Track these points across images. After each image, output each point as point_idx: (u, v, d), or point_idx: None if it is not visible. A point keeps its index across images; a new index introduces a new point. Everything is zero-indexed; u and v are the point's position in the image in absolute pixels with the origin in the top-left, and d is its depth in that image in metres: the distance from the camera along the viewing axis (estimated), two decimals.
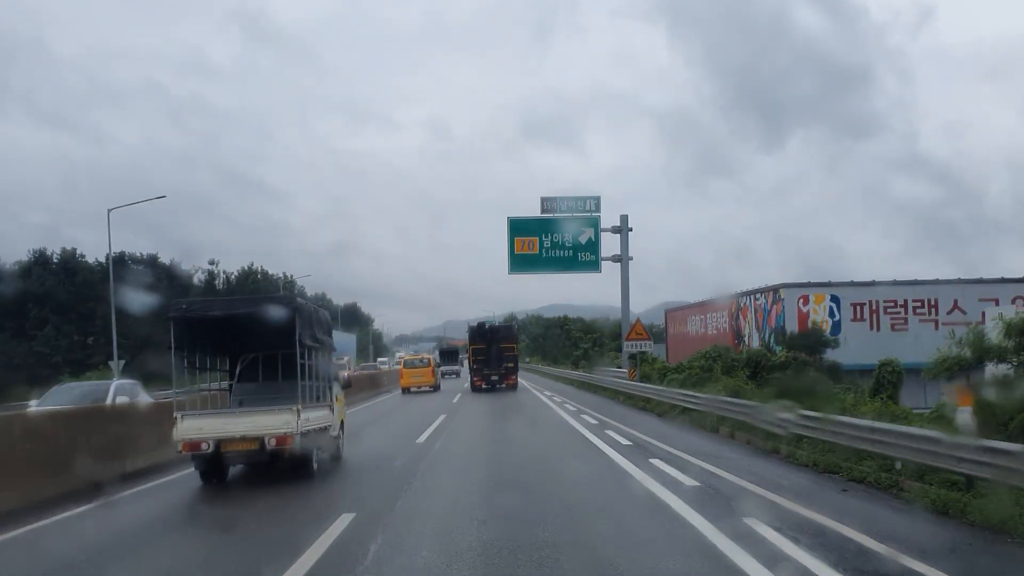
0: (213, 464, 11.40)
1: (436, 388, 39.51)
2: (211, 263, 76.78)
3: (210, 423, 10.99)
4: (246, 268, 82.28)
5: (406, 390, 38.50)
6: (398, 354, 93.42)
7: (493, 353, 37.28)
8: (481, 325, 41.43)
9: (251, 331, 12.19)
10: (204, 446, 10.78)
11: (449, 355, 60.45)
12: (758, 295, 45.16)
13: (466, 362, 46.91)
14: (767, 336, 42.75)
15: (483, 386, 36.67)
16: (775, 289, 43.22)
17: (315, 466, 11.99)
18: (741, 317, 48.01)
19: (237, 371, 13.02)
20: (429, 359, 42.20)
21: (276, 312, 11.47)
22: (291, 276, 79.98)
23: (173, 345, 11.43)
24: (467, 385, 39.67)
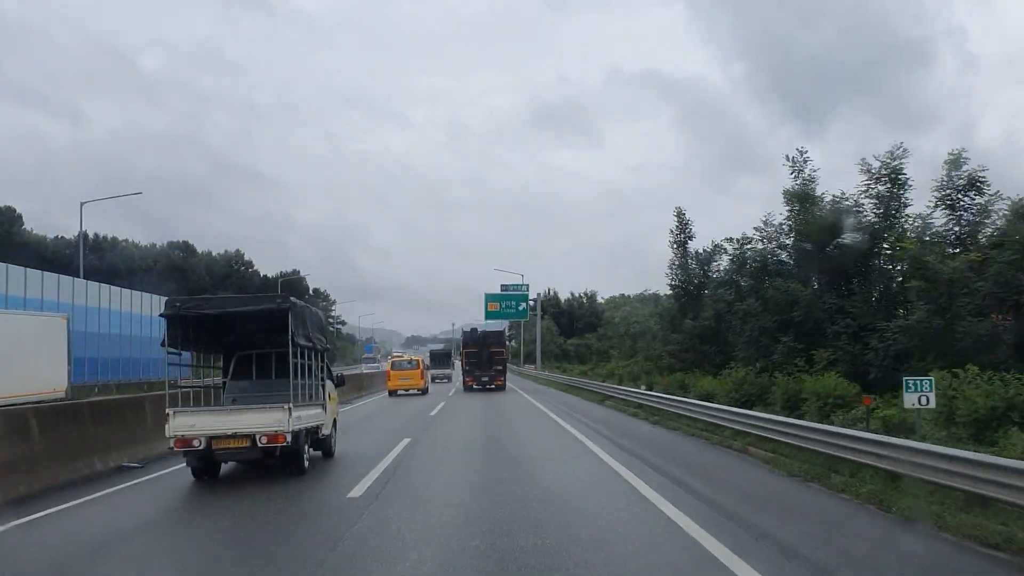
0: (205, 461, 11.47)
1: (424, 391, 39.14)
2: None
3: (202, 420, 11.05)
4: None
5: (393, 392, 38.10)
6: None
7: (484, 356, 40.41)
8: (474, 331, 44.62)
9: (245, 329, 12.31)
10: (196, 443, 10.84)
11: (441, 358, 57.75)
12: None
13: (458, 364, 48.09)
14: None
15: (474, 386, 40.17)
16: None
17: (306, 464, 12.08)
18: None
19: (231, 369, 13.09)
20: (418, 361, 41.52)
21: (269, 311, 11.56)
22: None
23: (166, 342, 11.57)
24: (459, 384, 41.57)
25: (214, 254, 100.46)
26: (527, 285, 65.26)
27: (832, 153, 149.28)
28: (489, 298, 63.61)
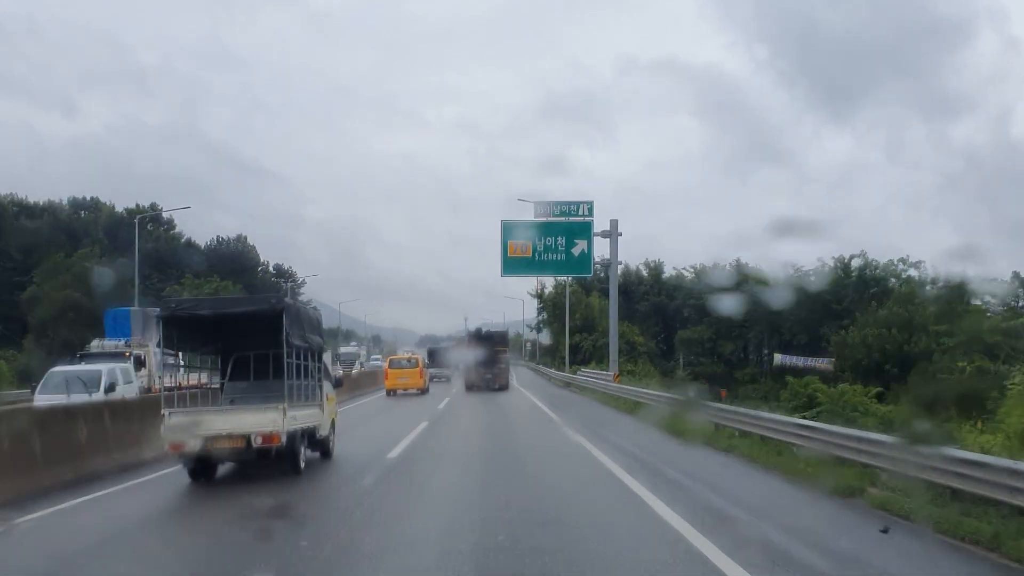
0: (201, 461, 11.51)
1: (424, 391, 38.20)
2: None
3: (198, 420, 11.09)
4: None
5: (391, 392, 37.35)
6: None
7: (488, 356, 40.19)
8: (478, 331, 46.04)
9: (241, 330, 12.33)
10: (192, 443, 10.88)
11: (441, 356, 53.65)
12: None
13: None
14: None
15: (478, 383, 40.20)
16: None
17: (302, 464, 12.11)
18: None
19: (228, 370, 13.13)
20: (417, 359, 39.95)
21: (264, 312, 11.61)
22: None
23: (162, 343, 11.64)
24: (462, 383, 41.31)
25: (119, 209, 75.73)
26: (590, 203, 33.08)
27: (862, 141, 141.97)
28: (508, 231, 33.01)
